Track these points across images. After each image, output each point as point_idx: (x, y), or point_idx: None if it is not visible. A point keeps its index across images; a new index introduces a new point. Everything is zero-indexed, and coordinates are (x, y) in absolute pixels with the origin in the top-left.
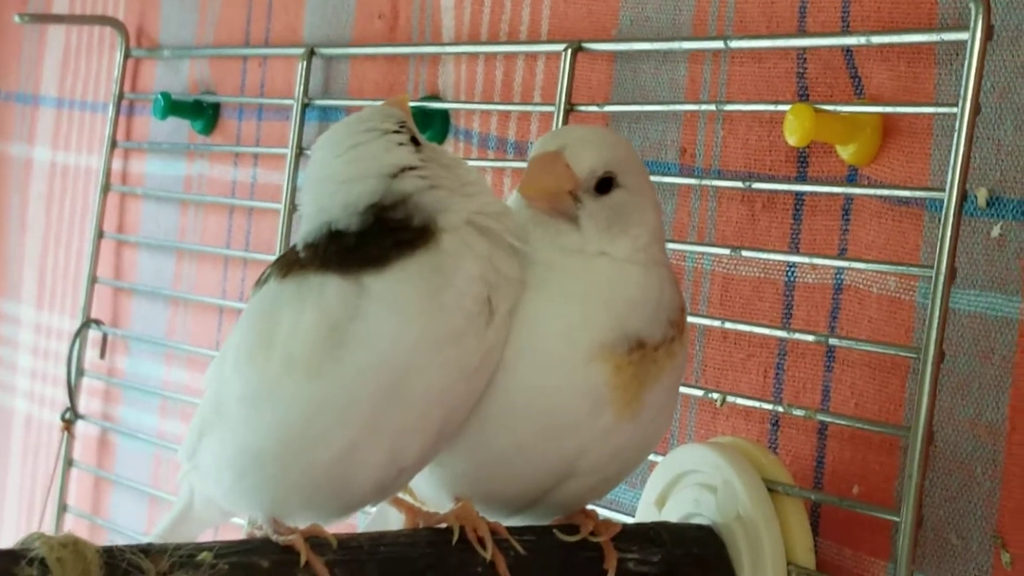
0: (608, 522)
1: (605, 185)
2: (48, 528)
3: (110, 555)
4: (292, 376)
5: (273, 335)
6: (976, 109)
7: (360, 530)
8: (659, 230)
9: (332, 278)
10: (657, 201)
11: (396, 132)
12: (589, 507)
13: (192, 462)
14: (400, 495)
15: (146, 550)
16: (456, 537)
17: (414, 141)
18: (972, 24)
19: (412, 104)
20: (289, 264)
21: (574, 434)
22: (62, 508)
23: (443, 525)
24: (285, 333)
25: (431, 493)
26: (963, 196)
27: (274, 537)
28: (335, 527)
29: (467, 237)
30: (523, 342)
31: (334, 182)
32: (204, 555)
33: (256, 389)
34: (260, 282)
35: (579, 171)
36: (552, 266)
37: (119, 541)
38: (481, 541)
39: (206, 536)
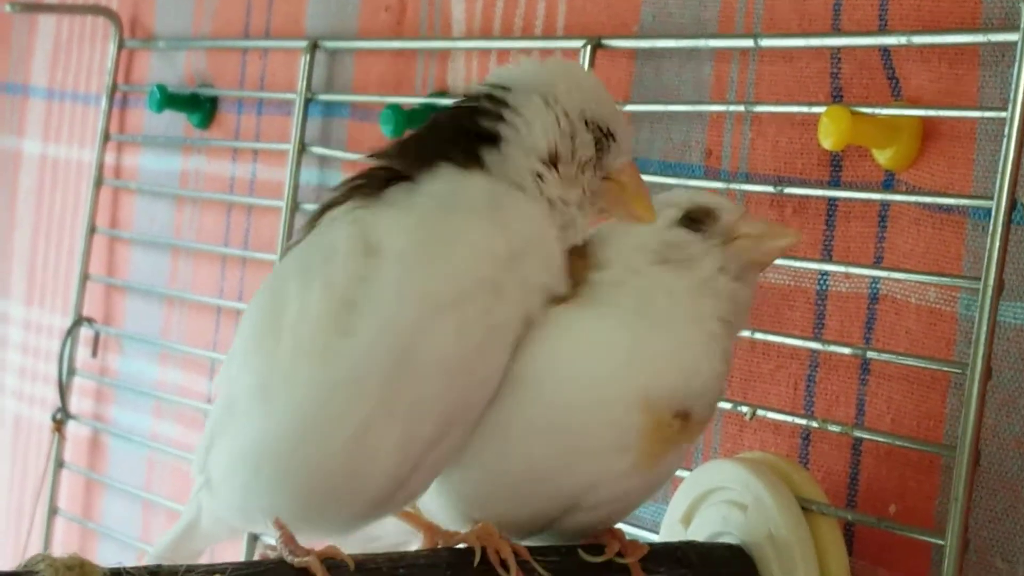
0: (635, 543)
1: None
2: (38, 532)
3: None
4: (303, 359)
5: (281, 318)
6: None
7: None
8: None
9: (341, 229)
10: None
11: None
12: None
13: (204, 474)
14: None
15: (155, 571)
16: (478, 558)
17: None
18: (1023, 25)
19: (420, 100)
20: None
21: (590, 468)
22: (52, 511)
23: (463, 545)
24: (293, 316)
25: (442, 516)
26: (1012, 204)
27: (289, 559)
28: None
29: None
30: (567, 362)
31: None
32: None
33: (267, 378)
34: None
35: None
36: (632, 280)
37: (111, 546)
38: (504, 563)
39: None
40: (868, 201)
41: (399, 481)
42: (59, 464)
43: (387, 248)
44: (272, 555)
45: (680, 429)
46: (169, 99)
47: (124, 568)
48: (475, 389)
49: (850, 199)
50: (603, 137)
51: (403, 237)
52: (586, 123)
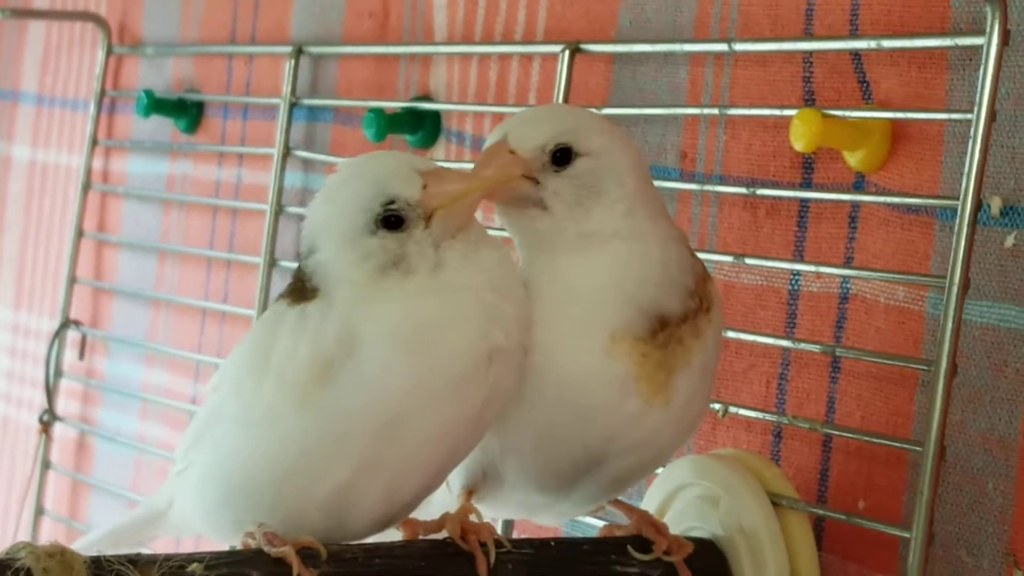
0: (679, 540)
1: (563, 158)
2: (25, 532)
3: (97, 565)
4: (287, 405)
5: (269, 360)
6: (992, 116)
7: None
8: (644, 193)
9: (331, 314)
10: (638, 163)
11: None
12: (661, 520)
13: (186, 459)
14: None
15: (134, 560)
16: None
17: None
18: (988, 29)
19: (403, 104)
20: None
21: (601, 422)
22: (39, 511)
23: (442, 535)
24: (280, 361)
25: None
26: (977, 205)
27: (266, 548)
28: None
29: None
30: (542, 348)
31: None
32: (194, 566)
33: (250, 415)
34: (279, 296)
35: (524, 152)
36: (546, 267)
37: None
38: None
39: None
40: (839, 202)
41: (386, 520)
42: (46, 465)
43: (371, 334)
44: (251, 543)
45: (668, 341)
46: (156, 104)
47: (104, 556)
48: (471, 440)
49: (821, 200)
50: (395, 214)
51: (387, 331)
52: (366, 225)
